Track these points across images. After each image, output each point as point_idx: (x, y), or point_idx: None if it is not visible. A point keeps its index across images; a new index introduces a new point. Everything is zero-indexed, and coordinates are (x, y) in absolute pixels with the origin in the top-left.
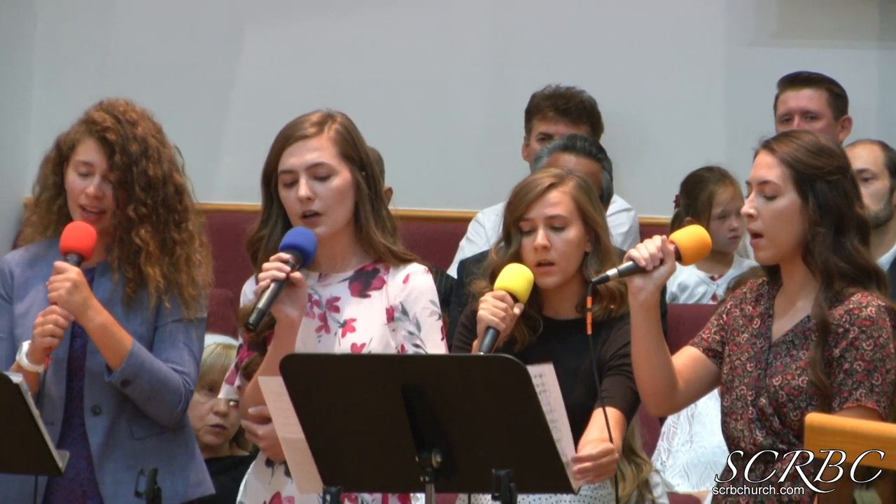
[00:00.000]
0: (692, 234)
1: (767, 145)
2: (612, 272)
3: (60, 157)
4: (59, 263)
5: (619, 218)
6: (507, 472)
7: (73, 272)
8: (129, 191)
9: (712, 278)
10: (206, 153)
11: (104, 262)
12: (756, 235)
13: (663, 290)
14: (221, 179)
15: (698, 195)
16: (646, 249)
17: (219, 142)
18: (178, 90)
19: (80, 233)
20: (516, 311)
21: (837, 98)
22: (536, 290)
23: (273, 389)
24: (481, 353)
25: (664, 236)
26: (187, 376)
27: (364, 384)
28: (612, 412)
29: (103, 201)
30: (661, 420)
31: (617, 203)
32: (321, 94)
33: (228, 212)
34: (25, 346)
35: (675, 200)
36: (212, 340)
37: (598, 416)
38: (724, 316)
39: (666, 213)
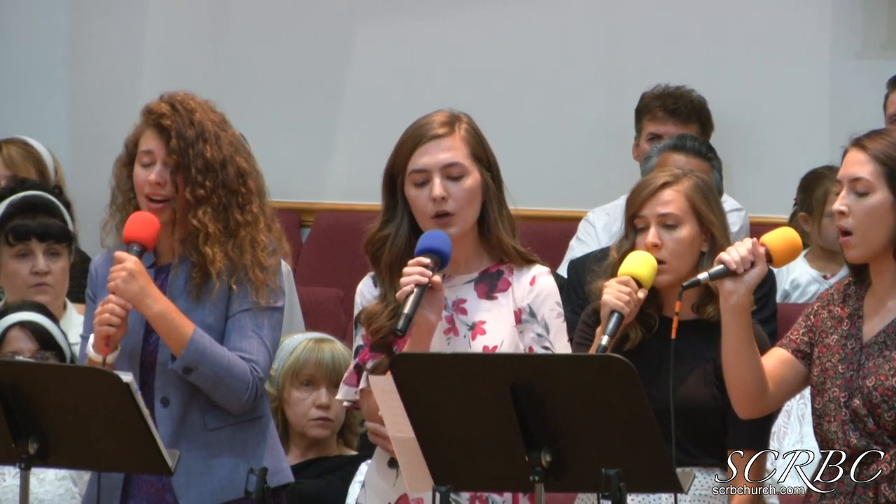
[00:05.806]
0: (783, 237)
1: (858, 142)
2: (702, 276)
3: (129, 157)
4: (119, 253)
5: (730, 218)
6: (616, 471)
7: (130, 261)
8: (186, 174)
9: (825, 277)
10: (318, 153)
11: (179, 255)
12: (846, 233)
13: (775, 289)
14: (333, 179)
15: (814, 191)
16: (736, 253)
17: (331, 142)
18: (291, 91)
19: (141, 223)
20: (640, 295)
21: None
22: (655, 291)
23: (383, 388)
24: (603, 342)
25: (755, 239)
26: (256, 364)
27: (473, 383)
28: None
29: (165, 188)
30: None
31: (728, 203)
32: (432, 95)
33: (340, 211)
34: (93, 336)
35: (795, 198)
36: (303, 336)
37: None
38: (812, 317)
39: (776, 213)
